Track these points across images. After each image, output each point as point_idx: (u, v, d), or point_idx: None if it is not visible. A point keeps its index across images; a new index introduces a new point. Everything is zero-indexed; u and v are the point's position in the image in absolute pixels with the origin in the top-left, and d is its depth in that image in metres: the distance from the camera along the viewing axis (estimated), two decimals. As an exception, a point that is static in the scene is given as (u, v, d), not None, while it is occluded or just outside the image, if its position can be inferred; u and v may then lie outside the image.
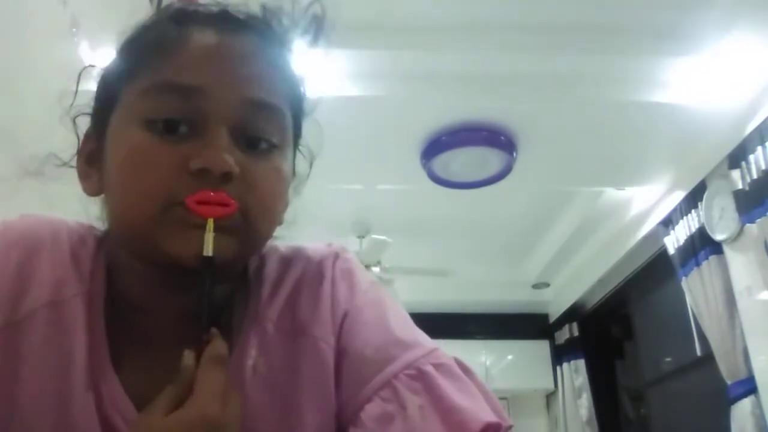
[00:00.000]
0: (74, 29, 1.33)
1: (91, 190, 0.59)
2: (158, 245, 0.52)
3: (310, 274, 0.63)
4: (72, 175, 0.61)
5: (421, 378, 0.55)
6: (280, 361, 0.58)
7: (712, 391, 3.08)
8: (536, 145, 2.90)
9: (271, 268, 0.63)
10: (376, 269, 3.66)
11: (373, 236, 3.65)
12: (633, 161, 3.14)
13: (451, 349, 0.61)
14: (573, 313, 4.74)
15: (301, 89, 0.62)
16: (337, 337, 0.59)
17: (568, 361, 4.70)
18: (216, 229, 0.51)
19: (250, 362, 0.57)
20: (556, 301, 4.95)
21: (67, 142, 0.62)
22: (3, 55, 1.09)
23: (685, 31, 2.35)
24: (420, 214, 3.81)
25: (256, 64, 0.57)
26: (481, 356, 4.78)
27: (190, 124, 0.53)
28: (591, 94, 2.59)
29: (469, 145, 2.83)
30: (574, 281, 4.53)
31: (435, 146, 2.84)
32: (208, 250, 0.50)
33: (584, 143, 2.93)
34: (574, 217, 3.87)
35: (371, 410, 0.55)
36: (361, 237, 3.90)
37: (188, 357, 0.49)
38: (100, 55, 1.45)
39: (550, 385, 4.88)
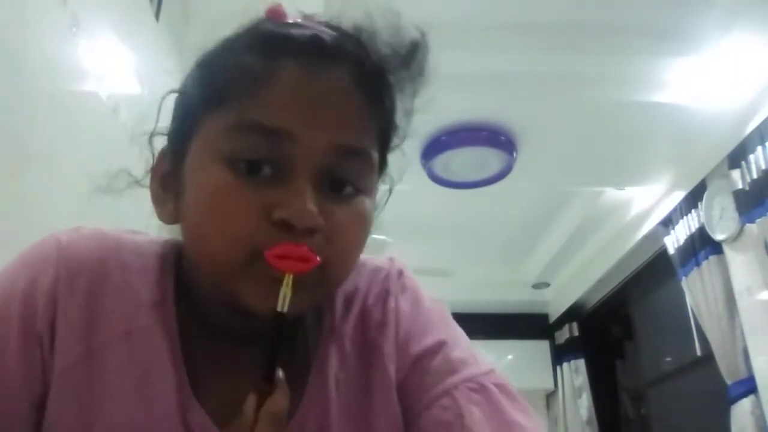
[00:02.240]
0: (74, 29, 1.32)
1: (166, 217, 0.57)
2: (235, 293, 0.50)
3: (376, 291, 0.63)
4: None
5: (482, 391, 0.56)
6: (356, 378, 0.58)
7: (712, 391, 3.08)
8: (536, 145, 2.90)
9: None
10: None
11: (373, 236, 3.65)
12: (633, 161, 3.14)
13: (451, 349, 0.61)
14: (573, 313, 4.73)
15: (396, 130, 0.60)
16: (400, 352, 0.60)
17: (568, 361, 4.69)
18: (294, 283, 0.49)
19: (333, 378, 0.57)
20: (556, 301, 4.95)
21: (137, 160, 0.60)
22: (2, 54, 1.09)
23: (685, 31, 2.35)
24: (420, 214, 3.80)
25: (348, 105, 0.53)
26: (481, 356, 4.78)
27: (275, 166, 0.51)
28: (591, 94, 2.59)
29: (469, 145, 2.82)
30: (574, 281, 4.52)
31: (435, 146, 2.84)
32: (284, 306, 0.48)
33: (584, 143, 2.93)
34: (574, 217, 3.86)
35: (429, 418, 0.55)
36: (361, 237, 3.89)
37: (249, 405, 0.48)
38: (100, 55, 1.46)
39: (550, 385, 4.87)
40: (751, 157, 2.60)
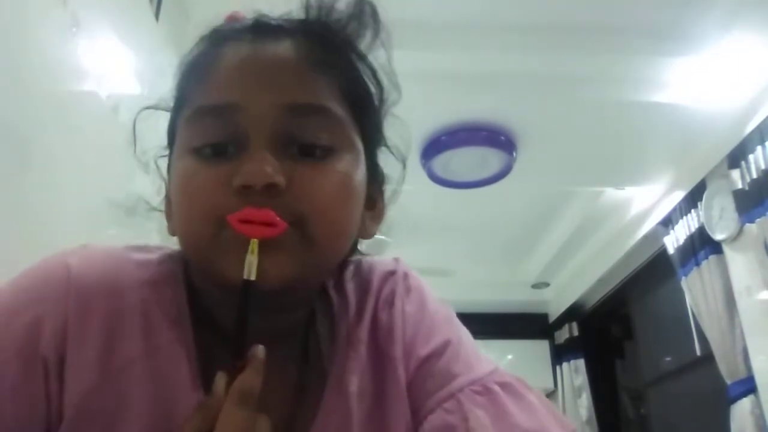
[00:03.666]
0: (74, 29, 1.33)
1: (169, 230, 0.58)
2: (211, 265, 0.51)
3: (384, 293, 0.63)
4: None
5: (486, 393, 0.56)
6: (371, 386, 0.58)
7: (712, 391, 3.08)
8: (536, 145, 2.90)
9: (350, 285, 0.63)
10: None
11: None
12: (633, 161, 3.14)
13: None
14: (573, 313, 4.73)
15: (366, 84, 0.59)
16: (406, 354, 0.59)
17: (568, 360, 4.69)
18: (268, 249, 0.48)
19: (353, 389, 0.56)
20: (555, 301, 4.95)
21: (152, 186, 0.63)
22: (2, 54, 1.09)
23: (685, 31, 2.35)
24: (420, 214, 3.81)
25: (293, 68, 0.53)
26: (481, 356, 4.77)
27: (236, 144, 0.51)
28: (591, 94, 2.59)
29: (469, 145, 2.82)
30: (574, 281, 4.52)
31: (435, 146, 2.84)
32: (250, 273, 0.47)
33: (584, 143, 2.93)
34: (574, 217, 3.86)
35: (433, 421, 0.55)
36: (361, 237, 3.89)
37: (219, 384, 0.47)
38: (100, 55, 1.46)
39: (550, 385, 4.87)
40: (751, 157, 2.60)
